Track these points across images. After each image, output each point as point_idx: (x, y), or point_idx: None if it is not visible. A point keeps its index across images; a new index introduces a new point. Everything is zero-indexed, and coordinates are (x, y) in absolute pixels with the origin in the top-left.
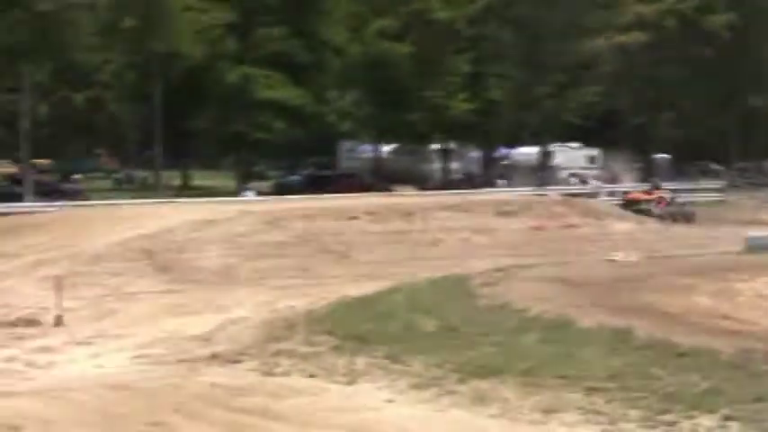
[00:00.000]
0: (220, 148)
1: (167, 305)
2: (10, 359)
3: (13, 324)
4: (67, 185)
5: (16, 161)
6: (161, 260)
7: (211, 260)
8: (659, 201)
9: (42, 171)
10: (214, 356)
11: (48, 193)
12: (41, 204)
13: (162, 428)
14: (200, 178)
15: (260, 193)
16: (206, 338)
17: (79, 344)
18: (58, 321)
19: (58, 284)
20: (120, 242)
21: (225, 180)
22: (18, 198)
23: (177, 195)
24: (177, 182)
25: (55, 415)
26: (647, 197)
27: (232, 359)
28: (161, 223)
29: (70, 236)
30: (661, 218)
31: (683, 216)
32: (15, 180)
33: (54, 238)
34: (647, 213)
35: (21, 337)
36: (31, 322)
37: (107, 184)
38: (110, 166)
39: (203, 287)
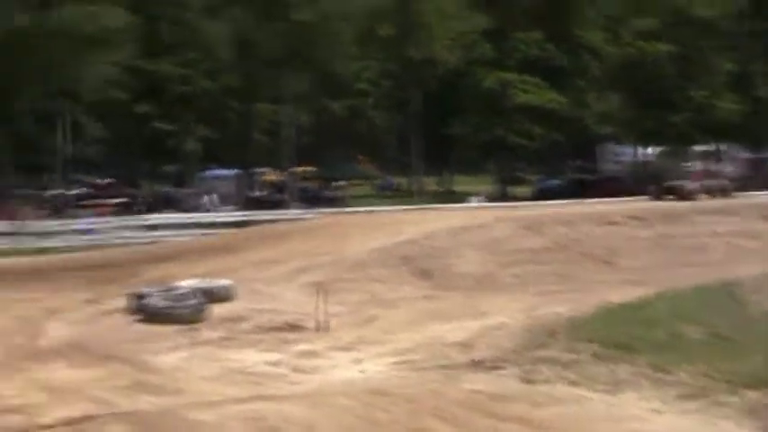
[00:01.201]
0: (479, 154)
1: (427, 311)
2: (276, 363)
3: (279, 329)
4: (329, 192)
5: (279, 169)
6: (421, 266)
7: (470, 266)
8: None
9: (306, 178)
10: (474, 363)
11: (310, 199)
12: (302, 212)
13: None
14: (459, 183)
15: (488, 199)
16: (466, 344)
17: (341, 349)
18: (322, 326)
19: (322, 290)
20: (380, 248)
21: (484, 185)
22: (281, 205)
23: (434, 201)
24: (435, 188)
25: (318, 419)
26: None
27: (492, 365)
28: (420, 229)
29: (332, 242)
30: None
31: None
32: (278, 188)
33: (317, 244)
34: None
35: (286, 342)
36: (295, 327)
37: (366, 190)
38: (370, 172)
39: (463, 293)
